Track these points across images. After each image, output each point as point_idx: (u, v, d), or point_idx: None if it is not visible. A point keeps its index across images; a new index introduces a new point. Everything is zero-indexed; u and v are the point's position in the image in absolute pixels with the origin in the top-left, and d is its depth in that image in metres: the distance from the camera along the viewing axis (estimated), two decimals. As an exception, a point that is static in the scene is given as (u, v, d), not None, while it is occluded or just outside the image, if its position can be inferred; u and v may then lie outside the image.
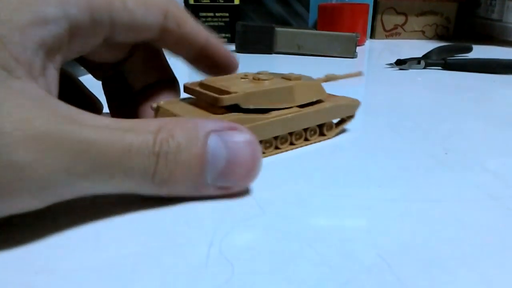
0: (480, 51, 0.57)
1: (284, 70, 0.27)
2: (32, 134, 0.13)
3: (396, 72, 0.46)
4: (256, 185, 0.18)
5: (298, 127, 0.22)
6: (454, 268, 0.13)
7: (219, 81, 0.22)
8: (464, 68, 0.47)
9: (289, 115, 0.22)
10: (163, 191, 0.16)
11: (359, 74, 0.27)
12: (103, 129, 0.14)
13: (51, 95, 0.16)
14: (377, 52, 0.62)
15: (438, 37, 0.76)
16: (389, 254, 0.14)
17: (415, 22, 0.75)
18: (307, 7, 0.71)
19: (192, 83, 0.22)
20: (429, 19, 0.75)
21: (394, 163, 0.21)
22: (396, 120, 0.28)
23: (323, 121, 0.24)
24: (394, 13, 0.74)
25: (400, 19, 0.75)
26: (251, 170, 0.17)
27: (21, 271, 0.13)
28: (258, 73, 0.23)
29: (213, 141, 0.16)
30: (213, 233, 0.15)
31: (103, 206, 0.16)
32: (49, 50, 0.16)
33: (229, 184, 0.17)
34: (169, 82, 0.24)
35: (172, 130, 0.15)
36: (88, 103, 0.24)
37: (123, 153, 0.14)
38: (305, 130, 0.23)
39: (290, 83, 0.22)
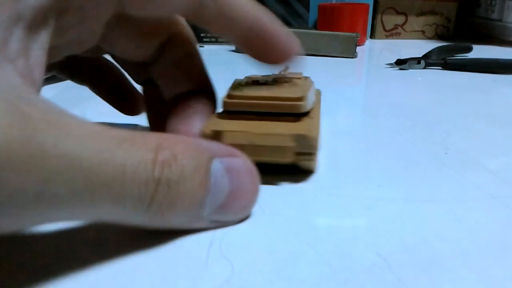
0: (480, 51, 0.57)
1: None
2: (23, 152, 0.10)
3: (396, 72, 0.46)
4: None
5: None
6: (454, 268, 0.13)
7: (250, 89, 0.20)
8: (464, 68, 0.47)
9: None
10: (155, 223, 0.13)
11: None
12: (90, 141, 0.11)
13: (34, 82, 0.13)
14: (377, 52, 0.62)
15: (438, 37, 0.76)
16: (389, 254, 0.14)
17: (415, 22, 0.75)
18: (307, 7, 0.71)
19: (231, 97, 0.19)
20: (429, 19, 0.75)
21: (394, 163, 0.21)
22: (396, 120, 0.28)
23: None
24: (394, 13, 0.74)
25: (400, 19, 0.75)
26: (250, 203, 0.15)
27: (21, 271, 0.13)
28: (275, 75, 0.22)
29: (216, 168, 0.14)
30: (213, 232, 0.15)
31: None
32: (30, 25, 0.13)
33: (227, 219, 0.15)
34: (205, 93, 0.20)
35: (175, 149, 0.13)
36: (127, 100, 0.21)
37: (114, 177, 0.11)
38: None
39: (302, 93, 0.20)
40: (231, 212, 0.15)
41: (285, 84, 0.21)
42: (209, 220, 0.14)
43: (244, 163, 0.15)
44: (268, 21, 0.18)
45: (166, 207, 0.13)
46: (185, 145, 0.13)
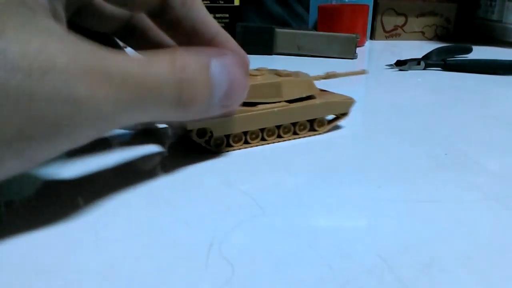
0: (480, 52, 0.58)
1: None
2: (83, 69, 0.13)
3: (396, 73, 0.46)
4: (256, 185, 0.18)
5: (285, 121, 0.23)
6: (454, 269, 0.13)
7: None
8: (464, 69, 0.47)
9: (275, 109, 0.23)
10: (183, 116, 0.17)
11: (363, 72, 0.28)
12: (135, 63, 0.15)
13: None
14: (377, 53, 0.62)
15: (438, 38, 0.76)
16: (389, 255, 0.14)
17: (415, 23, 0.75)
18: (307, 8, 0.71)
19: None
20: (429, 20, 0.75)
21: (394, 164, 0.21)
22: (396, 121, 0.28)
23: (312, 116, 0.24)
24: (394, 14, 0.74)
25: (400, 20, 0.75)
26: (245, 87, 0.19)
27: (21, 271, 0.13)
28: (257, 69, 0.24)
29: (216, 67, 0.17)
30: (213, 233, 0.15)
31: (102, 207, 0.16)
32: None
33: (231, 102, 0.19)
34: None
35: (184, 58, 0.16)
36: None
37: (155, 83, 0.15)
38: (294, 124, 0.24)
39: (278, 79, 0.23)
40: (232, 96, 0.19)
41: (257, 77, 0.23)
42: (218, 106, 0.18)
43: (233, 57, 0.19)
44: (225, 36, 0.20)
45: (189, 100, 0.17)
46: (189, 53, 0.17)
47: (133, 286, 0.12)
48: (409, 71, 0.47)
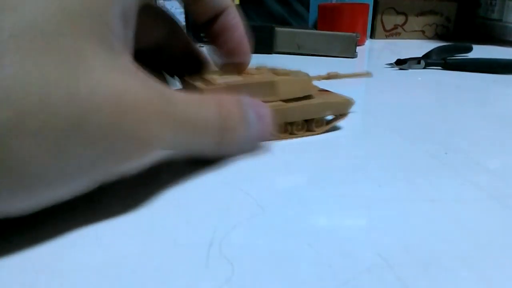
0: (480, 51, 0.58)
1: (284, 70, 0.27)
2: (155, 111, 0.15)
3: (396, 72, 0.46)
4: (255, 184, 0.18)
5: (280, 120, 0.23)
6: (454, 268, 0.13)
7: (214, 74, 0.23)
8: (464, 68, 0.47)
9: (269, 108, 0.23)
10: (221, 153, 0.20)
11: (367, 75, 0.27)
12: (189, 106, 0.17)
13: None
14: (377, 52, 0.62)
15: (438, 37, 0.76)
16: (389, 254, 0.14)
17: (415, 22, 0.75)
18: (307, 7, 0.71)
19: (194, 77, 0.23)
20: (429, 19, 0.75)
21: (394, 163, 0.21)
22: (396, 120, 0.28)
23: (309, 116, 0.24)
24: (394, 13, 0.74)
25: (400, 19, 0.75)
26: (269, 132, 0.21)
27: (22, 271, 0.13)
28: (257, 68, 0.25)
29: (251, 115, 0.20)
30: (213, 233, 0.15)
31: (102, 206, 0.16)
32: (127, 18, 0.16)
33: (257, 144, 0.22)
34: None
35: (229, 107, 0.19)
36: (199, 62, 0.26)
37: (205, 126, 0.17)
38: (291, 124, 0.24)
39: (274, 78, 0.23)
40: (261, 138, 0.22)
41: (254, 75, 0.24)
42: (250, 145, 0.21)
43: (265, 110, 0.21)
44: (234, 19, 0.23)
45: (228, 144, 0.19)
46: (232, 101, 0.19)
47: (133, 285, 0.12)
48: (409, 70, 0.47)
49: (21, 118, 0.12)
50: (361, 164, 0.21)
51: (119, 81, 0.14)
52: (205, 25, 0.23)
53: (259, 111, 0.20)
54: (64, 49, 0.13)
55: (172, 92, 0.16)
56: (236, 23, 0.23)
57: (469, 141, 0.24)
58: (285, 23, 0.71)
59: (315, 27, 0.70)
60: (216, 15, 0.22)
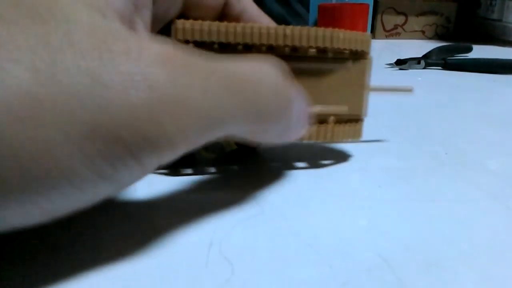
0: (480, 51, 0.57)
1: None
2: (204, 76, 0.12)
3: (396, 72, 0.46)
4: (255, 184, 0.18)
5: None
6: (454, 268, 0.13)
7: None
8: (464, 68, 0.47)
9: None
10: (278, 129, 0.16)
11: (408, 89, 0.24)
12: (234, 60, 0.14)
13: None
14: (377, 52, 0.62)
15: (438, 37, 0.76)
16: (389, 254, 0.14)
17: (415, 22, 0.75)
18: (307, 7, 0.71)
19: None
20: (429, 19, 0.75)
21: (394, 163, 0.21)
22: (396, 120, 0.28)
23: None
24: (394, 13, 0.74)
25: (400, 19, 0.75)
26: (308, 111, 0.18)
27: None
28: None
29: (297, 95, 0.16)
30: (213, 232, 0.15)
31: (102, 206, 0.16)
32: (136, 3, 0.15)
33: (303, 125, 0.18)
34: None
35: (278, 70, 0.15)
36: None
37: (257, 82, 0.14)
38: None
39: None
40: (304, 120, 0.17)
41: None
42: (295, 128, 0.17)
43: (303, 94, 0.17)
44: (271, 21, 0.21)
45: (284, 108, 0.15)
46: (279, 65, 0.16)
47: (133, 285, 0.12)
48: (409, 70, 0.47)
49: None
50: (361, 164, 0.21)
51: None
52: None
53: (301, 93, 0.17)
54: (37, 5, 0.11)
55: (207, 54, 0.13)
56: (245, 4, 0.20)
57: (469, 141, 0.24)
58: (285, 23, 0.71)
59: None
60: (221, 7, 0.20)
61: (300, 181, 0.19)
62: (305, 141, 0.20)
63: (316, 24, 0.69)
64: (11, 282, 0.12)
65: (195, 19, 0.18)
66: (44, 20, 0.11)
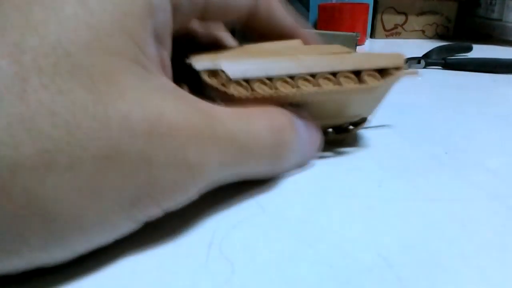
0: (480, 51, 0.57)
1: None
2: (195, 132, 0.13)
3: (396, 71, 0.46)
4: (256, 183, 0.18)
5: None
6: (454, 268, 0.13)
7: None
8: (464, 68, 0.47)
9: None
10: (275, 171, 0.19)
11: (414, 72, 0.24)
12: (237, 123, 0.15)
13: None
14: (377, 51, 0.62)
15: (438, 36, 0.76)
16: (390, 254, 0.14)
17: (415, 22, 0.75)
18: (307, 6, 0.71)
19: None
20: (429, 19, 0.75)
21: (394, 163, 0.21)
22: (395, 120, 0.28)
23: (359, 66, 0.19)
24: (394, 12, 0.74)
25: (400, 19, 0.75)
26: (317, 147, 0.20)
27: None
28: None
29: (300, 130, 0.19)
30: (213, 232, 0.15)
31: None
32: (160, 38, 0.15)
33: (305, 162, 0.20)
34: None
35: (280, 119, 0.17)
36: None
37: (256, 144, 0.16)
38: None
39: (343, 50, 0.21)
40: (308, 157, 0.20)
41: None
42: (295, 166, 0.20)
43: (310, 121, 0.20)
44: (304, 32, 0.23)
45: (282, 160, 0.18)
46: (280, 112, 0.18)
47: (133, 284, 0.12)
48: (410, 70, 0.47)
49: (47, 154, 0.10)
50: (361, 163, 0.21)
51: (154, 103, 0.12)
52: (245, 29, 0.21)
53: (306, 121, 0.19)
54: (91, 72, 0.11)
55: (217, 108, 0.15)
56: (272, 10, 0.21)
57: (469, 141, 0.24)
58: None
59: (315, 27, 0.70)
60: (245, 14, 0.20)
61: (300, 181, 0.19)
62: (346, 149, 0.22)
63: (316, 23, 0.69)
64: (11, 282, 0.12)
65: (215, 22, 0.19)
66: (105, 95, 0.12)
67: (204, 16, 0.18)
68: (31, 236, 0.11)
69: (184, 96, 0.14)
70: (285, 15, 0.21)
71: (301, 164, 0.20)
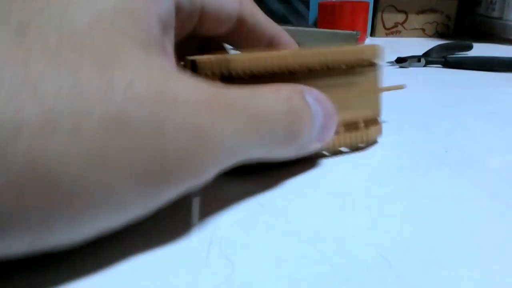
0: (480, 49, 0.57)
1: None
2: (205, 100, 0.13)
3: (396, 70, 0.46)
4: (256, 182, 0.18)
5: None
6: (454, 266, 0.13)
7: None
8: (464, 66, 0.47)
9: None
10: (292, 148, 0.17)
11: (400, 87, 0.27)
12: (247, 93, 0.15)
13: None
14: (377, 50, 0.62)
15: (438, 35, 0.76)
16: (389, 252, 0.14)
17: (416, 20, 0.75)
18: (307, 5, 0.70)
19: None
20: (430, 17, 0.75)
21: (394, 161, 0.21)
22: (396, 118, 0.28)
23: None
24: (394, 11, 0.74)
25: (400, 17, 0.75)
26: (336, 120, 0.19)
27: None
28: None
29: (310, 100, 0.18)
30: (213, 231, 0.15)
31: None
32: (164, 26, 0.15)
33: (325, 136, 0.19)
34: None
35: (288, 89, 0.17)
36: None
37: (268, 113, 0.15)
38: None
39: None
40: (327, 130, 0.19)
41: None
42: (316, 140, 0.18)
43: (321, 93, 0.19)
44: (284, 36, 0.22)
45: (297, 132, 0.17)
46: (291, 88, 0.17)
47: (133, 283, 0.12)
48: (410, 68, 0.47)
49: (51, 116, 0.10)
50: (360, 162, 0.21)
51: (158, 74, 0.12)
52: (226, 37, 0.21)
53: (315, 95, 0.18)
54: (95, 48, 0.12)
55: (224, 86, 0.14)
56: (257, 17, 0.21)
57: (470, 140, 0.24)
58: (285, 22, 0.71)
59: (315, 25, 0.70)
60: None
61: (300, 179, 0.19)
62: (344, 149, 0.22)
63: (316, 22, 0.69)
64: (10, 281, 0.12)
65: (207, 35, 0.19)
66: (108, 66, 0.11)
67: (201, 22, 0.18)
68: (31, 209, 0.10)
69: (188, 75, 0.14)
70: (268, 20, 0.21)
71: (322, 139, 0.19)
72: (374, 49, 0.22)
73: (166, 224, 0.15)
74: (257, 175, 0.19)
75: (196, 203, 0.17)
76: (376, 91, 0.23)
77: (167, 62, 0.14)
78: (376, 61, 0.22)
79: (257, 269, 0.13)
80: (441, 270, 0.13)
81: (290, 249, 0.14)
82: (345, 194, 0.18)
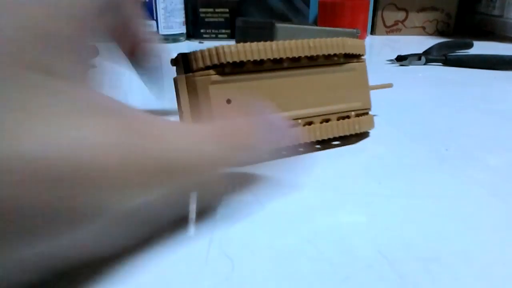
0: (480, 47, 0.57)
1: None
2: (120, 156, 0.11)
3: (396, 68, 0.46)
4: (256, 180, 0.18)
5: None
6: (454, 264, 0.13)
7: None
8: (464, 64, 0.47)
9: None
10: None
11: (388, 86, 0.28)
12: (177, 140, 0.13)
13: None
14: (377, 48, 0.62)
15: (438, 33, 0.76)
16: (389, 250, 0.14)
17: (416, 18, 0.75)
18: (307, 3, 0.70)
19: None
20: (430, 15, 0.75)
21: (394, 160, 0.21)
22: (396, 116, 0.28)
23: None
24: (394, 9, 0.74)
25: (400, 15, 0.74)
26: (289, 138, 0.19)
27: None
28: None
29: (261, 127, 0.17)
30: (213, 229, 0.15)
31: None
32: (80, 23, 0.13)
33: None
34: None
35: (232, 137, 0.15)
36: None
37: (192, 161, 0.13)
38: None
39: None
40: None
41: None
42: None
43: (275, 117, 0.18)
44: (136, 15, 0.20)
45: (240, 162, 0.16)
46: (243, 123, 0.16)
47: (134, 282, 0.12)
48: (410, 66, 0.47)
49: None
50: (361, 160, 0.21)
51: (67, 132, 0.10)
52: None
53: (271, 118, 0.17)
54: None
55: (158, 124, 0.13)
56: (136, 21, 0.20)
57: (470, 138, 0.24)
58: (285, 19, 0.70)
59: (315, 23, 0.70)
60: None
61: (299, 178, 0.19)
62: (336, 135, 0.22)
63: (316, 20, 0.69)
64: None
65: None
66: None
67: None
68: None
69: (113, 112, 0.12)
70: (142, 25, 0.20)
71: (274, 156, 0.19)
72: (358, 43, 0.23)
73: (166, 222, 0.15)
74: (256, 174, 0.19)
75: (193, 201, 0.17)
76: (364, 85, 0.24)
77: (87, 92, 0.12)
78: (360, 54, 0.23)
79: (257, 267, 0.13)
80: (441, 268, 0.13)
81: (290, 247, 0.14)
82: (345, 192, 0.18)
